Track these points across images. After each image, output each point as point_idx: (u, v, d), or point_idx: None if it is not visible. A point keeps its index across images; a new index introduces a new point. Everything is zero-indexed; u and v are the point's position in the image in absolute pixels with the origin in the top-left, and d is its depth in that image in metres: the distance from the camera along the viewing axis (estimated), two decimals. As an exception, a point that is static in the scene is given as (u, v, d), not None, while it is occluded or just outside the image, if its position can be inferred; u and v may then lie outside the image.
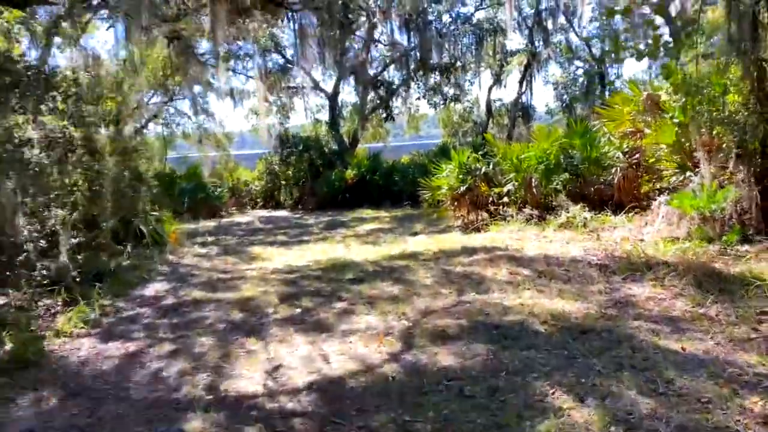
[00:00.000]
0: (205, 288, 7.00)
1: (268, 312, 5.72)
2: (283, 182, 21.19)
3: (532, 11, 22.20)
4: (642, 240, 7.50)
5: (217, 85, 24.56)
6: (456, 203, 10.62)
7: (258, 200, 22.07)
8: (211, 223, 15.56)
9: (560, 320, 4.75)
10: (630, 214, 8.87)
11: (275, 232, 13.09)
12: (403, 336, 4.67)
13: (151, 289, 7.04)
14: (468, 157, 10.79)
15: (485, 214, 10.59)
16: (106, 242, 7.89)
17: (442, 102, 22.63)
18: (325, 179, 19.02)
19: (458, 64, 20.69)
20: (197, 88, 25.99)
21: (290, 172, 20.91)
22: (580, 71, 22.33)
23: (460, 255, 7.86)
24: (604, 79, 21.03)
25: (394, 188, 18.02)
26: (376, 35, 22.22)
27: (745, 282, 5.14)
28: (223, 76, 17.58)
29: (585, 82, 21.61)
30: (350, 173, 18.70)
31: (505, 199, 10.03)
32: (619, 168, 9.62)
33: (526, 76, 22.46)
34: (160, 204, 13.16)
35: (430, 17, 20.03)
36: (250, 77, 22.03)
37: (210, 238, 12.02)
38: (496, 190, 10.21)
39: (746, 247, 6.39)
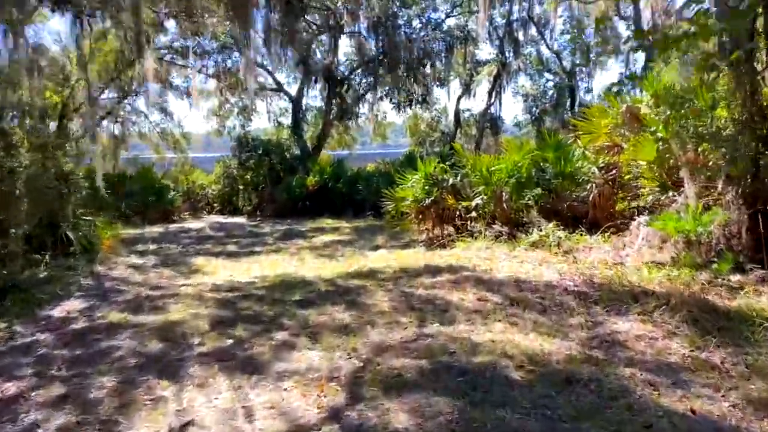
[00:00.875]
0: (127, 308, 6.02)
1: (192, 343, 4.80)
2: (241, 187, 20.17)
3: (504, 21, 21.81)
4: (622, 264, 6.85)
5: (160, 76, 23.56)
6: (421, 216, 9.85)
7: (215, 205, 21.00)
8: (158, 229, 14.48)
9: (539, 364, 3.99)
10: (606, 234, 8.25)
11: (225, 241, 12.10)
12: (350, 382, 3.82)
13: (63, 309, 6.02)
14: (435, 168, 10.04)
15: (451, 229, 9.86)
16: (16, 251, 6.82)
17: (407, 103, 21.73)
18: (285, 185, 18.08)
19: (426, 62, 19.83)
20: (156, 86, 25.06)
21: (249, 177, 19.91)
22: (550, 84, 21.93)
23: (423, 275, 7.06)
24: (574, 93, 20.69)
25: (357, 197, 17.19)
26: (344, 38, 21.49)
27: (747, 321, 4.47)
28: (151, 56, 15.93)
29: (555, 95, 21.22)
30: (312, 180, 17.80)
31: (474, 214, 9.31)
32: (594, 184, 9.00)
33: (496, 86, 21.97)
34: (100, 207, 12.12)
35: (400, 21, 19.35)
36: (210, 76, 20.82)
37: (152, 246, 10.98)
38: (464, 203, 9.47)
39: (739, 276, 5.76)
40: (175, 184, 20.93)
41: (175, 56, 19.31)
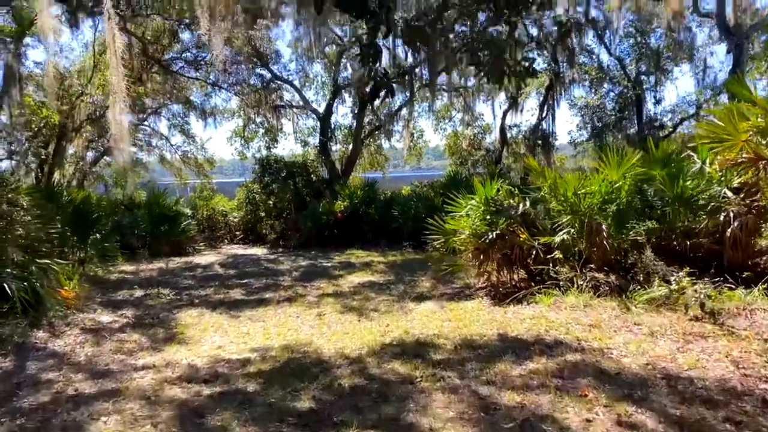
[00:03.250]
0: (22, 430, 3.67)
1: None
2: (263, 214, 17.98)
3: (555, 27, 19.34)
4: (829, 345, 4.23)
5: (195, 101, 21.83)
6: (482, 256, 7.31)
7: (237, 233, 18.83)
8: (160, 265, 12.28)
9: None
10: (765, 287, 5.62)
11: (232, 283, 9.79)
12: None
13: None
14: (497, 191, 7.56)
15: (522, 273, 7.33)
16: None
17: (445, 98, 19.19)
18: (310, 212, 15.79)
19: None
20: (176, 106, 23.35)
21: (272, 203, 17.74)
22: (611, 95, 19.21)
23: (502, 356, 4.57)
24: (641, 104, 17.95)
25: (392, 225, 14.79)
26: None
27: None
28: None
29: (617, 107, 18.50)
30: (340, 205, 15.50)
31: (557, 254, 6.74)
32: (731, 213, 6.39)
33: (548, 99, 19.42)
34: (81, 242, 10.03)
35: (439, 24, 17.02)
36: (226, 89, 18.75)
37: (138, 292, 8.73)
38: (542, 239, 6.93)
39: None
40: (194, 211, 18.86)
41: (187, 67, 17.29)
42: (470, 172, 20.48)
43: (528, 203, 7.50)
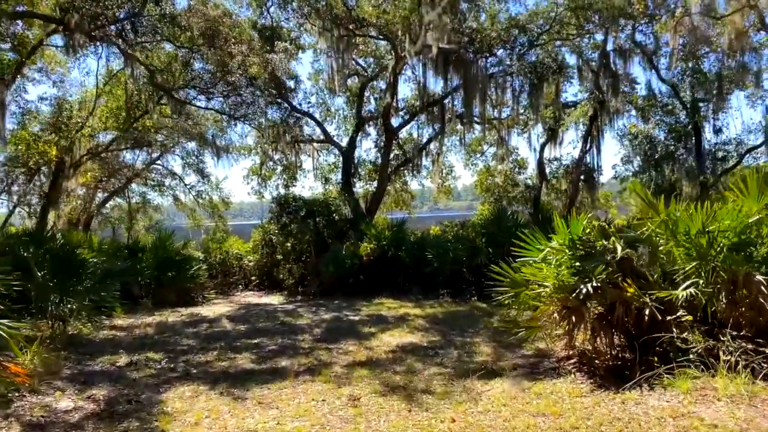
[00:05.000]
0: None
1: None
2: (280, 257, 16.22)
3: (597, 52, 17.81)
4: None
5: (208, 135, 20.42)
6: (573, 316, 5.43)
7: (253, 278, 17.04)
8: (160, 318, 10.51)
9: None
10: None
11: (241, 344, 7.97)
12: None
13: None
14: (586, 229, 5.73)
15: (623, 340, 5.43)
16: None
17: (477, 131, 17.60)
18: (332, 255, 14.01)
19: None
20: (191, 144, 22.20)
21: (290, 245, 16.00)
22: (662, 124, 17.42)
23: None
24: (700, 134, 16.11)
25: (425, 269, 12.97)
26: (404, 77, 17.96)
27: None
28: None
29: (672, 138, 16.65)
30: (366, 247, 13.75)
31: (683, 315, 4.85)
32: None
33: (592, 130, 17.67)
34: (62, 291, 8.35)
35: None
36: (241, 121, 17.26)
37: (121, 360, 6.96)
38: (658, 294, 5.06)
39: None
40: (206, 255, 17.18)
41: (198, 97, 15.89)
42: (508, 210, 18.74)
43: (628, 245, 5.64)
